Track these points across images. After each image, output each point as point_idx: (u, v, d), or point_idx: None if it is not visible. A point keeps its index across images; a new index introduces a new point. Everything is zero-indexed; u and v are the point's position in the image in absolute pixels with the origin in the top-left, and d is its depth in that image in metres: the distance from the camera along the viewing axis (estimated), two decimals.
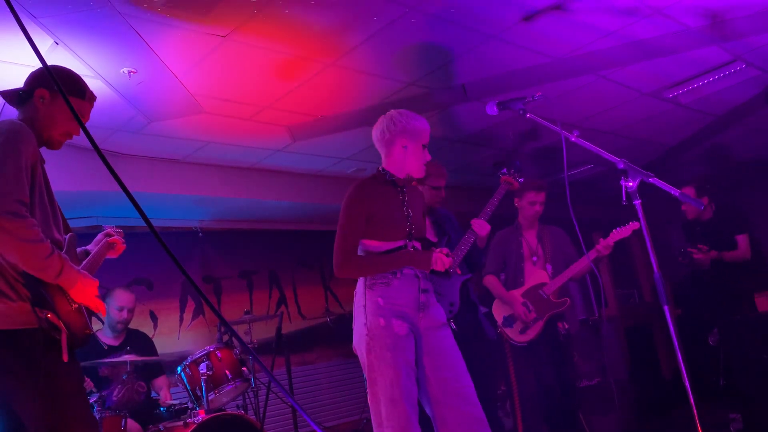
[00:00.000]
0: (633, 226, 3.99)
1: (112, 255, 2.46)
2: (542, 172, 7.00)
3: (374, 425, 2.56)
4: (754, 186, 8.73)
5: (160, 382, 4.36)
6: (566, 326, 4.06)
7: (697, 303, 5.50)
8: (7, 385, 1.96)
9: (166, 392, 4.30)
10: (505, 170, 3.83)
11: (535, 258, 4.20)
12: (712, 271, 4.95)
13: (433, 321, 2.69)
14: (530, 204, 4.21)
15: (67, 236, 2.23)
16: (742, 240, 4.86)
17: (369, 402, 2.59)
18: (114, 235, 2.45)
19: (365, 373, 2.61)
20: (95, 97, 2.31)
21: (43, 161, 2.22)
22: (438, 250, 2.68)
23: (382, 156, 2.87)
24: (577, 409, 4.16)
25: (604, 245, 3.97)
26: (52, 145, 2.28)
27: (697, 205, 2.09)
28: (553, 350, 4.11)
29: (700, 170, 7.82)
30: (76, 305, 2.11)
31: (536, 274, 4.14)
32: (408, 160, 2.77)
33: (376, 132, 2.86)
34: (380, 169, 2.84)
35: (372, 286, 2.63)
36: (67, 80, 2.25)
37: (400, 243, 2.69)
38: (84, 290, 2.11)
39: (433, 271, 2.86)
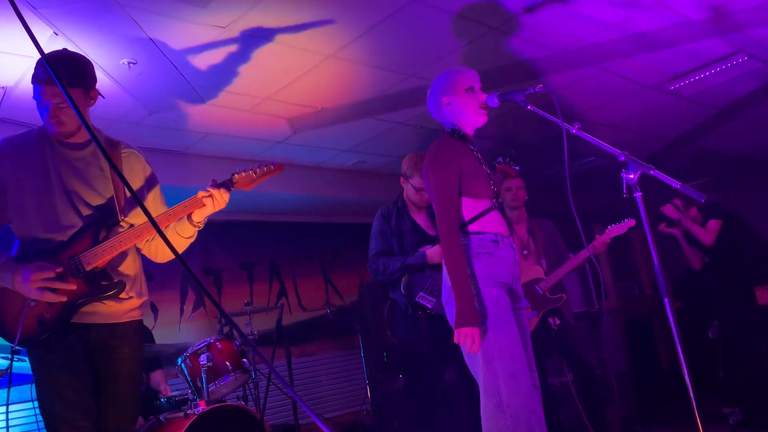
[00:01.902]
0: (629, 223, 3.97)
1: (201, 208, 2.31)
2: (543, 165, 7.00)
3: (491, 405, 2.33)
4: (755, 179, 8.73)
5: (158, 376, 4.36)
6: (557, 321, 4.04)
7: (697, 296, 5.51)
8: None
9: (166, 386, 4.31)
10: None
11: (525, 251, 4.14)
12: (712, 266, 4.97)
13: (519, 296, 2.61)
14: (506, 190, 4.15)
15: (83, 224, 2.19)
16: (712, 224, 4.90)
17: (484, 380, 2.36)
18: (207, 190, 2.30)
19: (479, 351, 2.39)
20: (42, 78, 2.13)
21: (50, 158, 2.21)
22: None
23: (445, 125, 2.72)
24: (598, 401, 4.09)
25: (601, 242, 3.96)
26: (53, 135, 2.23)
27: (698, 197, 2.08)
28: (549, 346, 4.10)
29: (699, 165, 7.82)
30: (34, 303, 2.09)
31: (530, 269, 4.08)
32: (459, 113, 2.62)
33: (430, 109, 2.73)
34: (449, 129, 2.69)
35: (477, 255, 2.46)
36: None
37: (488, 203, 2.55)
38: (24, 287, 2.05)
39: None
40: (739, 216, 5.07)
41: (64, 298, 2.11)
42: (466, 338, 2.32)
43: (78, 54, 2.28)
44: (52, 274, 2.08)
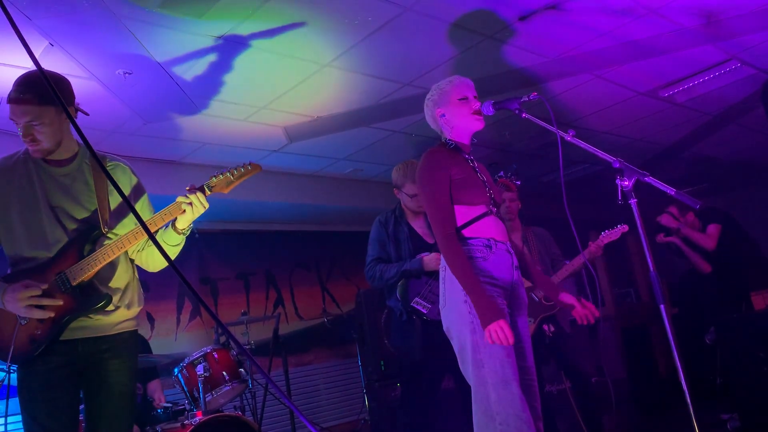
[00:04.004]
0: (622, 229, 3.99)
1: (182, 215, 2.28)
2: (539, 172, 7.02)
3: (480, 412, 2.32)
4: (750, 185, 8.76)
5: (154, 385, 4.35)
6: (551, 328, 4.04)
7: (693, 302, 5.51)
8: None
9: (160, 395, 4.29)
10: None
11: None
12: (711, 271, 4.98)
13: (520, 302, 2.58)
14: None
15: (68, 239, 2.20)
16: (712, 228, 4.91)
17: (474, 387, 2.36)
18: (187, 196, 2.29)
19: (469, 356, 2.37)
20: (15, 98, 2.13)
21: (26, 174, 2.23)
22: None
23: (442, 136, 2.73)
24: (595, 409, 4.10)
25: (595, 247, 3.98)
26: (32, 153, 2.23)
27: (693, 204, 2.09)
28: (545, 353, 4.10)
29: (694, 171, 7.84)
30: (25, 321, 2.13)
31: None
32: (453, 123, 2.62)
33: (428, 121, 2.74)
34: (443, 140, 2.69)
35: (469, 261, 2.44)
36: None
37: (483, 208, 2.54)
38: (12, 305, 2.10)
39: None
40: (735, 220, 5.08)
41: (52, 314, 2.13)
42: (496, 334, 2.28)
43: (52, 72, 2.24)
44: (38, 292, 2.11)
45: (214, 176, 2.34)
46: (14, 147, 2.37)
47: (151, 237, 1.50)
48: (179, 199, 2.27)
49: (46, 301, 2.11)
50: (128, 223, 2.34)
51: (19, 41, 1.37)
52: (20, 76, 2.19)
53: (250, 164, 2.37)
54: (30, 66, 3.40)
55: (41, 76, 2.12)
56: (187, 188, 2.29)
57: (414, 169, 3.54)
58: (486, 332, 2.31)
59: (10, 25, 1.37)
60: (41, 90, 2.15)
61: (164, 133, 4.63)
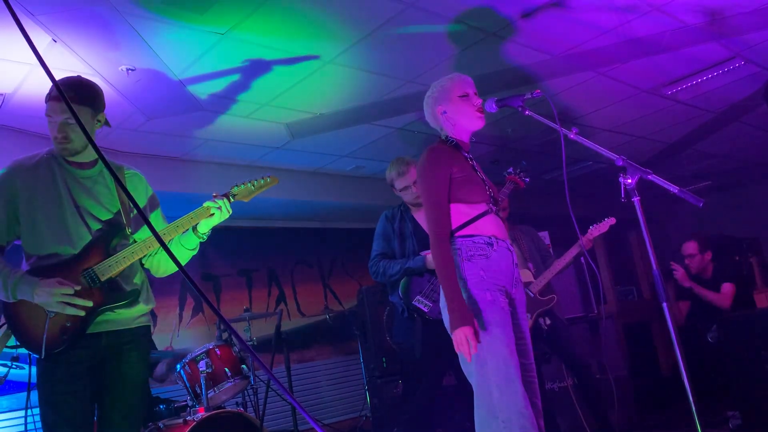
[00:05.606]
0: (609, 221, 4.05)
1: (208, 219, 2.43)
2: (541, 169, 7.01)
3: (483, 410, 2.32)
4: (753, 182, 8.74)
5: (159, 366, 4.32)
6: (547, 322, 4.06)
7: (695, 300, 5.52)
8: None
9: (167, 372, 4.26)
10: (511, 170, 3.82)
11: None
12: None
13: (520, 300, 2.58)
14: None
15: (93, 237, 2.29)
16: (726, 287, 4.97)
17: (476, 385, 2.35)
18: (214, 200, 2.43)
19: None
20: (55, 96, 2.24)
21: (52, 175, 2.30)
22: None
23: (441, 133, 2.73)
24: (599, 400, 4.11)
25: (585, 242, 4.00)
26: (60, 152, 2.32)
27: (696, 202, 2.08)
28: (545, 349, 4.11)
29: (697, 169, 7.81)
30: (53, 313, 2.17)
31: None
32: (454, 121, 2.62)
33: (427, 118, 2.74)
34: (442, 138, 2.69)
35: (470, 258, 2.45)
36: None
37: (484, 207, 2.54)
38: (45, 300, 2.15)
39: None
40: (742, 271, 5.13)
41: (83, 314, 2.20)
42: (461, 340, 2.30)
43: (91, 81, 2.40)
44: (71, 290, 2.17)
45: (236, 186, 2.53)
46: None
47: (164, 245, 1.53)
48: (208, 203, 2.41)
49: (79, 301, 2.18)
50: (148, 229, 2.44)
51: (22, 37, 1.36)
52: (62, 78, 2.31)
53: (269, 176, 2.59)
54: (33, 62, 3.41)
55: (74, 80, 2.33)
56: (214, 195, 2.44)
57: (401, 164, 3.59)
58: (453, 335, 2.33)
59: (13, 21, 1.37)
60: (81, 91, 2.30)
61: (167, 130, 4.63)
